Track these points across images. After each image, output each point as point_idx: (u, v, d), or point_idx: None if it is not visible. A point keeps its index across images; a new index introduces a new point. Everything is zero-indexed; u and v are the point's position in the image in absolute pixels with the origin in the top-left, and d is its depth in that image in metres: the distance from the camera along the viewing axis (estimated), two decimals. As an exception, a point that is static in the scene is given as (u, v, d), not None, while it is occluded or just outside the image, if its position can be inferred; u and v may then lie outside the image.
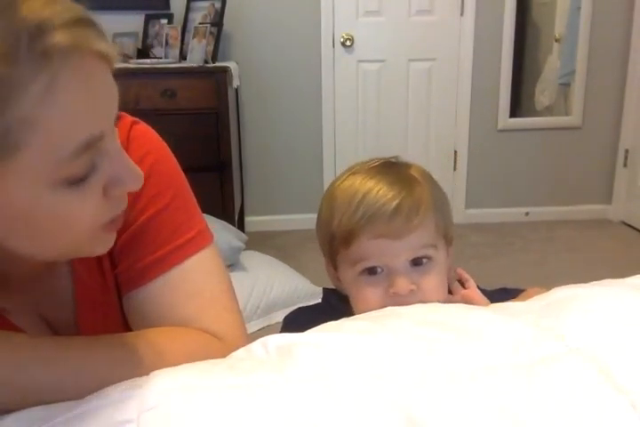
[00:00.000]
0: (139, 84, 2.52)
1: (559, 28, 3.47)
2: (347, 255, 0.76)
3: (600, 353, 0.50)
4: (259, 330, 2.15)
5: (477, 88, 3.30)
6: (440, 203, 0.78)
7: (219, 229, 2.29)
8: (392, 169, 0.79)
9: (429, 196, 0.76)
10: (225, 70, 2.66)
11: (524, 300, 0.68)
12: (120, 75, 0.51)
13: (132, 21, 2.99)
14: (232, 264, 2.33)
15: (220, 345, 0.64)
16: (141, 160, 0.65)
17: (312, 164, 3.35)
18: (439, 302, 0.75)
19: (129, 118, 0.68)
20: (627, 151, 3.34)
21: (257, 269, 2.38)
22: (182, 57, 2.81)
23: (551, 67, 3.55)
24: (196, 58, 2.70)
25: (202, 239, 0.69)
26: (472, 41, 3.23)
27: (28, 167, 0.46)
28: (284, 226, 3.33)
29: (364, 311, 0.68)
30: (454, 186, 3.42)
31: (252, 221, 3.34)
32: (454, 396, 0.47)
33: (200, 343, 0.63)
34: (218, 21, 2.82)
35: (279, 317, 2.22)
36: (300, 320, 0.72)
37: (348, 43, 3.20)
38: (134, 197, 0.64)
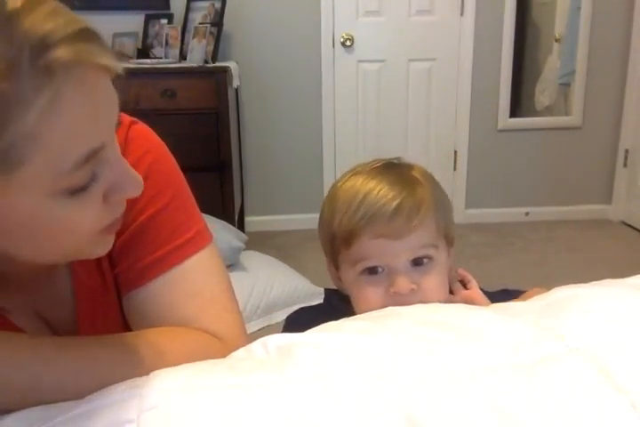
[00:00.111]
0: (139, 84, 2.52)
1: (559, 28, 3.47)
2: (348, 255, 0.77)
3: (600, 353, 0.50)
4: (259, 330, 2.15)
5: (477, 88, 3.30)
6: (441, 204, 0.78)
7: (219, 229, 2.29)
8: (393, 170, 0.79)
9: (431, 196, 0.76)
10: (225, 70, 2.66)
11: (524, 300, 0.68)
12: (120, 75, 0.51)
13: (131, 21, 2.99)
14: (232, 264, 2.33)
15: (219, 345, 0.64)
16: (140, 160, 0.65)
17: (312, 164, 3.35)
18: (440, 302, 0.75)
19: (127, 118, 0.68)
20: (627, 151, 3.34)
21: (257, 269, 2.38)
22: (182, 57, 2.81)
23: (551, 67, 3.55)
24: (195, 58, 2.70)
25: (201, 239, 0.69)
26: (472, 41, 3.23)
27: (30, 180, 0.46)
28: (284, 226, 3.33)
29: (365, 311, 0.68)
30: (454, 186, 3.42)
31: (252, 221, 3.34)
32: (454, 396, 0.47)
33: (200, 343, 0.63)
34: (218, 21, 2.82)
35: (279, 317, 2.22)
36: (301, 320, 0.72)
37: (348, 43, 3.20)
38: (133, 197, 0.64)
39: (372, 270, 0.75)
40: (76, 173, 0.47)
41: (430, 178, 0.80)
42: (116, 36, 2.93)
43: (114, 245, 0.60)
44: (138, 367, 0.55)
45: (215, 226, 2.16)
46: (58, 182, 0.47)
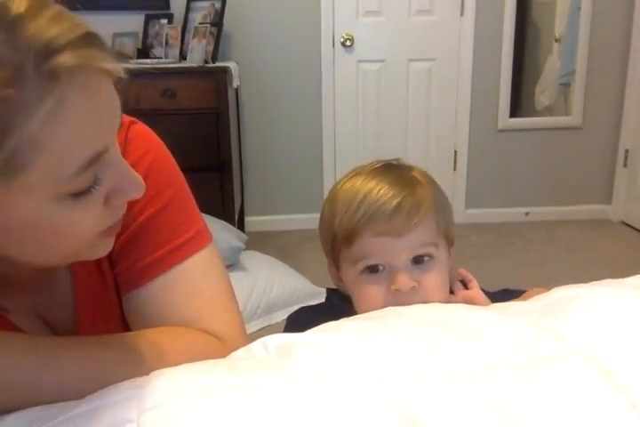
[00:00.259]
0: (139, 84, 2.52)
1: (559, 28, 3.47)
2: (348, 254, 0.77)
3: (600, 353, 0.50)
4: (259, 330, 2.15)
5: (477, 88, 3.30)
6: (441, 204, 0.79)
7: (219, 229, 2.29)
8: (393, 170, 0.80)
9: (431, 196, 0.77)
10: (225, 70, 2.66)
11: (524, 300, 0.68)
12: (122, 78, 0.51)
13: (132, 21, 2.99)
14: (232, 264, 2.33)
15: (219, 345, 0.64)
16: (140, 160, 0.65)
17: (312, 164, 3.35)
18: (440, 301, 0.75)
19: (127, 118, 0.68)
20: (627, 151, 3.34)
21: (257, 269, 2.38)
22: (182, 57, 2.81)
23: (551, 67, 3.55)
24: (196, 58, 2.70)
25: (201, 239, 0.69)
26: (472, 41, 3.23)
27: (34, 184, 0.46)
28: (284, 226, 3.33)
29: (367, 310, 0.69)
30: (454, 186, 3.42)
31: (252, 221, 3.34)
32: (454, 396, 0.47)
33: (200, 343, 0.63)
34: (218, 21, 2.82)
35: (279, 317, 2.22)
36: (302, 320, 0.73)
37: (348, 43, 3.20)
38: None
39: (373, 269, 0.76)
40: (78, 178, 0.47)
41: (430, 179, 0.81)
42: (115, 36, 2.93)
43: (114, 246, 0.60)
44: (138, 367, 0.55)
45: (215, 226, 2.16)
46: (61, 186, 0.47)
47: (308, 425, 0.45)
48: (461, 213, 3.40)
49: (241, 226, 3.09)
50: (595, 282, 0.67)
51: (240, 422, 0.45)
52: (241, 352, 0.59)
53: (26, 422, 0.49)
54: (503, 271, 2.71)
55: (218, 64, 2.75)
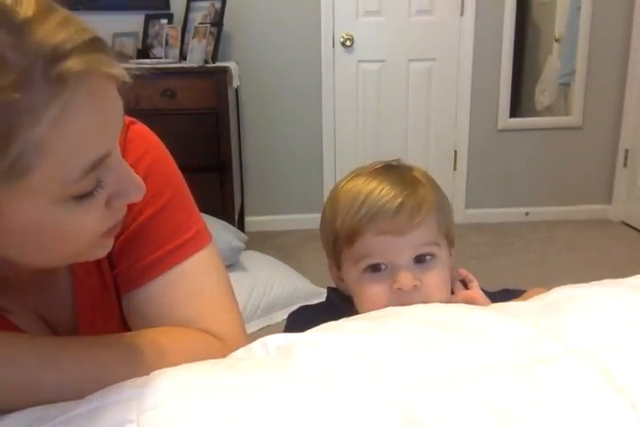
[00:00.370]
0: (139, 84, 2.51)
1: (559, 28, 3.47)
2: (350, 253, 0.77)
3: (600, 353, 0.50)
4: (259, 330, 2.15)
5: (477, 88, 3.30)
6: (442, 204, 0.79)
7: (218, 229, 2.29)
8: (394, 171, 0.80)
9: (432, 196, 0.77)
10: (225, 70, 2.66)
11: (524, 300, 0.68)
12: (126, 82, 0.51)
13: (132, 21, 2.99)
14: (232, 264, 2.33)
15: (219, 345, 0.64)
16: (139, 160, 0.65)
17: (312, 164, 3.35)
18: (441, 301, 0.76)
19: (126, 119, 0.68)
20: (627, 151, 3.34)
21: (257, 269, 2.38)
22: (182, 57, 2.81)
23: (551, 67, 3.55)
24: (196, 58, 2.70)
25: (201, 239, 0.69)
26: (472, 41, 3.23)
27: (37, 187, 0.46)
28: (284, 226, 3.33)
29: (368, 309, 0.69)
30: (454, 186, 3.42)
31: (252, 221, 3.34)
32: (454, 396, 0.47)
33: (200, 343, 0.63)
34: (218, 21, 2.82)
35: (279, 317, 2.22)
36: (302, 319, 0.73)
37: (348, 43, 3.20)
38: None
39: (375, 268, 0.76)
40: (82, 181, 0.48)
41: (430, 180, 0.82)
42: (115, 36, 2.93)
43: (113, 246, 0.60)
44: (138, 367, 0.55)
45: (215, 226, 2.16)
46: (64, 189, 0.47)
47: (308, 425, 0.45)
48: (461, 213, 3.40)
49: (241, 226, 3.09)
50: (595, 282, 0.67)
51: (240, 422, 0.45)
52: (241, 352, 0.59)
53: (26, 422, 0.50)
54: (503, 271, 2.71)
55: (218, 64, 2.75)
